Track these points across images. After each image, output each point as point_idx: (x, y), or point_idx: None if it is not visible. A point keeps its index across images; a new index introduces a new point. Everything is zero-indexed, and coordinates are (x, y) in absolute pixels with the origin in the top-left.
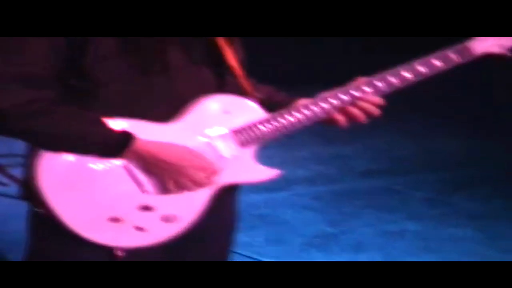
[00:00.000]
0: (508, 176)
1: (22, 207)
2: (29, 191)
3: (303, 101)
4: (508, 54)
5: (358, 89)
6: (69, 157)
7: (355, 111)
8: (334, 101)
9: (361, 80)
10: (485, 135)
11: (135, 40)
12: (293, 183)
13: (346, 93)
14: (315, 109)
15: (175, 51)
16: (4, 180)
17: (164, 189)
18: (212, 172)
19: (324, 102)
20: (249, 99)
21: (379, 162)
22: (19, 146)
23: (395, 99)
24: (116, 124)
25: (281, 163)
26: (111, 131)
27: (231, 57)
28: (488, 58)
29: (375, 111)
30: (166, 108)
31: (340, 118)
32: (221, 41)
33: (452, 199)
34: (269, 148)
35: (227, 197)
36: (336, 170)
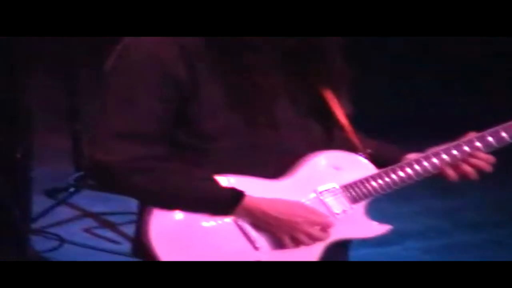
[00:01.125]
0: None
1: None
2: (141, 249)
3: (413, 156)
4: None
5: (469, 144)
6: (180, 214)
7: (466, 167)
8: (446, 157)
9: (473, 134)
10: None
11: (242, 92)
12: (405, 237)
13: (458, 148)
14: (427, 164)
15: (282, 104)
16: (116, 237)
17: (280, 245)
18: (326, 225)
19: (436, 157)
20: (359, 154)
21: (492, 214)
22: (131, 203)
23: (505, 148)
24: (226, 181)
25: (392, 217)
26: (221, 188)
27: (339, 111)
28: None
29: (487, 167)
30: (275, 163)
31: (451, 173)
32: (329, 95)
33: None
34: (380, 202)
35: (339, 252)
36: (449, 223)
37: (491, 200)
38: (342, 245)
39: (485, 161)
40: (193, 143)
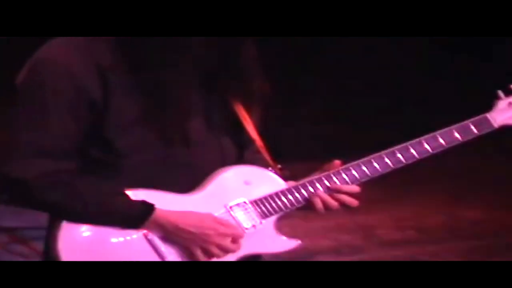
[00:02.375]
0: None
1: None
2: None
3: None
4: None
5: (337, 176)
6: (89, 229)
7: (329, 200)
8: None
9: (338, 164)
10: (509, 204)
11: (156, 109)
12: (317, 253)
13: (325, 179)
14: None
15: (195, 122)
16: (26, 252)
17: (191, 258)
18: (237, 236)
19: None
20: (269, 169)
21: (405, 232)
22: (43, 218)
23: (418, 169)
24: (137, 194)
25: (304, 233)
26: (131, 202)
27: (251, 127)
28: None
29: (349, 201)
30: (187, 178)
31: (319, 204)
32: (242, 112)
33: None
34: (292, 218)
35: None
36: (361, 240)
37: (404, 217)
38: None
39: (348, 193)
40: (106, 158)
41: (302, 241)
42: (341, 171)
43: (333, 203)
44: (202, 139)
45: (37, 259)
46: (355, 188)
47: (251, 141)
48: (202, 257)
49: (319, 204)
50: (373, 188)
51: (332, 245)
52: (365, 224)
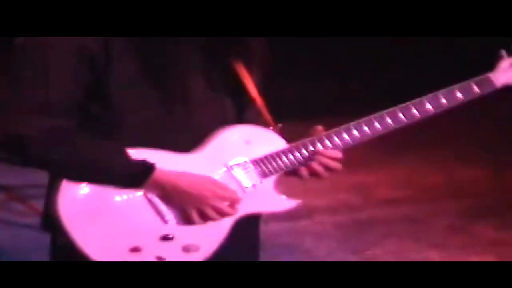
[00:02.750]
0: None
1: (44, 239)
2: (50, 222)
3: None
4: None
5: (321, 141)
6: (90, 188)
7: (317, 166)
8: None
9: (321, 129)
10: (509, 164)
11: (156, 67)
12: (314, 212)
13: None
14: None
15: (195, 82)
16: (25, 211)
17: (187, 220)
18: (235, 201)
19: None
20: (270, 129)
21: (402, 190)
22: (41, 176)
23: (418, 128)
24: (137, 154)
25: (302, 192)
26: (132, 161)
27: (252, 87)
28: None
29: (334, 165)
30: (187, 137)
31: (304, 171)
32: (242, 71)
33: (475, 227)
34: (290, 177)
35: (248, 226)
36: (358, 198)
37: (401, 176)
38: (252, 220)
39: (332, 158)
40: (106, 117)
41: (299, 200)
42: (341, 130)
43: (319, 168)
44: (203, 98)
45: (35, 218)
46: (337, 154)
47: (251, 101)
48: (197, 219)
49: (304, 170)
50: (371, 147)
51: (329, 204)
52: (362, 183)
